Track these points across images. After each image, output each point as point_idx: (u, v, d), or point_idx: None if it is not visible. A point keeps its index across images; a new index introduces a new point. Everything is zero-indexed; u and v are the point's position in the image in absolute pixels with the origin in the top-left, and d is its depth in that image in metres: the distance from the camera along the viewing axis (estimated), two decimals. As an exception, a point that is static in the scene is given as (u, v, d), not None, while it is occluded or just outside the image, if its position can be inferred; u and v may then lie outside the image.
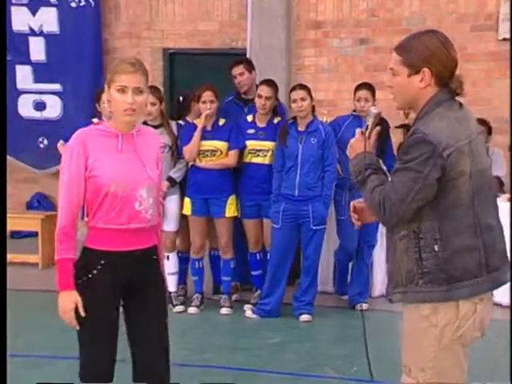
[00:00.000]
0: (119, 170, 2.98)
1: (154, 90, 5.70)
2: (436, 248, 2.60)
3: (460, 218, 2.61)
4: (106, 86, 3.03)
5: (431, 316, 2.63)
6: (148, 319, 3.09)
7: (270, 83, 6.09)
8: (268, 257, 6.03)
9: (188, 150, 5.96)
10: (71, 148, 2.97)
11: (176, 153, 6.02)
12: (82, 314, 2.91)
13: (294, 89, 5.93)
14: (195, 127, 6.02)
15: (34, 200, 8.69)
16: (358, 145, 2.77)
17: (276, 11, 8.14)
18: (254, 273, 6.21)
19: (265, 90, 6.00)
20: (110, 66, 3.10)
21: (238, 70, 6.44)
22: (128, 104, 2.96)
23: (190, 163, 6.07)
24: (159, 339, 3.11)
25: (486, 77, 7.61)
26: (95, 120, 6.03)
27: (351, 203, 2.92)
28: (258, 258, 6.17)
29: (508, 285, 2.79)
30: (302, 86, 5.93)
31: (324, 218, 5.83)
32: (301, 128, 5.89)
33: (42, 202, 8.66)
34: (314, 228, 5.79)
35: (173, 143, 6.02)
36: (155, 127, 5.80)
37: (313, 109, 5.97)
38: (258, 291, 6.12)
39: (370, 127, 2.80)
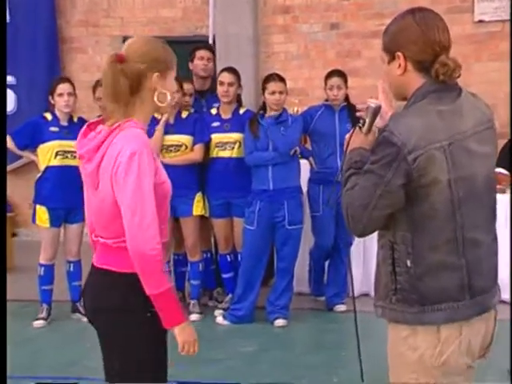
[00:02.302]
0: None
1: None
2: (408, 263, 2.26)
3: (436, 231, 2.25)
4: (156, 75, 2.47)
5: (410, 338, 2.29)
6: None
7: (231, 70, 5.73)
8: (239, 258, 5.63)
9: (151, 146, 5.51)
10: (146, 152, 2.40)
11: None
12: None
13: (272, 79, 5.50)
14: (156, 120, 5.58)
15: (-13, 200, 8.16)
16: (354, 139, 2.43)
17: (242, -4, 7.74)
18: (224, 275, 5.80)
19: (227, 77, 5.61)
20: (157, 53, 2.50)
21: (205, 53, 6.04)
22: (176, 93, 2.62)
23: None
24: None
25: (463, 61, 7.22)
26: (48, 114, 5.59)
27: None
28: (229, 259, 5.76)
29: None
30: (281, 78, 5.53)
31: (300, 218, 5.46)
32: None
33: (-4, 202, 8.14)
34: (290, 228, 5.40)
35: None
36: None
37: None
38: (230, 295, 5.72)
39: (368, 122, 2.44)
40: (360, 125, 2.44)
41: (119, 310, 2.46)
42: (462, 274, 2.26)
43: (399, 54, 2.31)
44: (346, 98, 5.75)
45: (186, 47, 7.40)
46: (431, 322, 2.25)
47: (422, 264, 2.24)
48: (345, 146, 2.46)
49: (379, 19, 7.31)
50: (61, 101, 5.43)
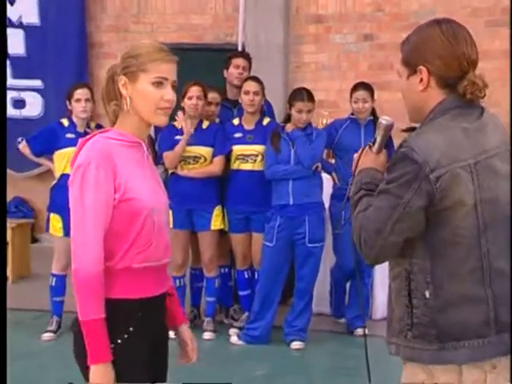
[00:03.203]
0: (150, 188, 2.33)
1: None
2: (427, 294, 2.05)
3: (459, 260, 2.03)
4: (121, 78, 2.27)
5: (426, 382, 2.07)
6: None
7: (256, 79, 5.51)
8: (256, 275, 5.42)
9: (170, 157, 5.35)
10: (96, 164, 2.20)
11: (152, 157, 5.37)
12: None
13: (300, 97, 5.22)
14: (176, 129, 5.41)
15: (11, 205, 8.08)
16: (363, 159, 2.24)
17: (273, 4, 7.63)
18: (241, 293, 5.58)
19: (252, 85, 5.40)
20: (133, 52, 2.29)
21: (241, 62, 5.81)
22: (166, 101, 2.29)
23: (170, 171, 5.46)
24: None
25: (502, 76, 6.97)
26: (65, 120, 5.47)
27: None
28: (247, 276, 5.55)
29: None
30: (310, 97, 5.24)
31: (321, 235, 5.23)
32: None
33: (20, 207, 8.08)
34: (310, 246, 5.18)
35: (148, 145, 5.37)
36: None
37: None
38: (246, 313, 5.51)
39: (379, 141, 2.25)
40: (370, 143, 2.25)
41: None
42: (487, 308, 2.04)
43: (422, 68, 2.10)
44: (373, 112, 5.52)
45: (215, 55, 7.28)
46: (452, 361, 2.03)
47: (443, 296, 2.03)
48: (353, 167, 2.26)
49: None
50: (78, 106, 5.30)
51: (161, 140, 5.46)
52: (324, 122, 6.38)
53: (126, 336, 2.25)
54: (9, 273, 6.73)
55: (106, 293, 2.21)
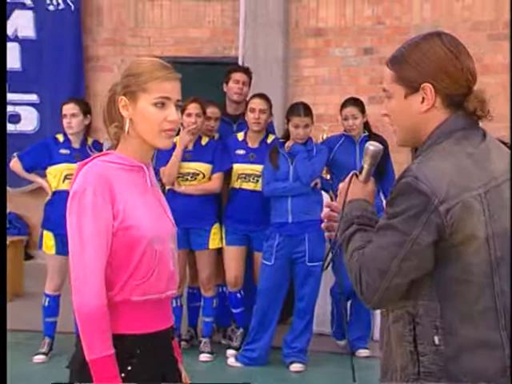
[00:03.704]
0: (152, 216, 2.16)
1: None
2: (436, 340, 1.83)
3: (471, 300, 1.83)
4: (121, 98, 2.14)
5: None
6: None
7: (263, 96, 5.36)
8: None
9: (167, 173, 5.21)
10: (93, 190, 2.06)
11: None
12: None
13: (297, 113, 5.09)
14: (174, 145, 5.28)
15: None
16: (350, 189, 2.02)
17: (272, 17, 7.52)
18: (234, 311, 5.41)
19: (258, 103, 5.25)
20: (133, 70, 2.15)
21: (241, 77, 5.66)
22: (170, 123, 2.12)
23: (167, 187, 5.32)
24: None
25: (504, 91, 6.85)
26: (60, 136, 5.34)
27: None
28: (239, 296, 5.38)
29: None
30: (307, 112, 5.10)
31: (321, 254, 5.08)
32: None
33: (14, 223, 7.93)
34: (310, 265, 5.04)
35: (150, 170, 5.25)
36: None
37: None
38: (241, 329, 5.35)
39: (366, 168, 2.04)
40: (357, 172, 2.04)
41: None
42: (503, 353, 1.84)
43: (427, 85, 1.88)
44: (368, 127, 5.40)
45: (214, 68, 7.17)
46: None
47: (455, 341, 1.82)
48: (339, 198, 2.05)
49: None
50: (64, 122, 5.20)
51: (158, 155, 5.33)
52: (324, 136, 6.26)
53: (122, 375, 2.08)
54: (1, 291, 6.57)
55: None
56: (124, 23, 8.02)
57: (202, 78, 7.42)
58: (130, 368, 2.10)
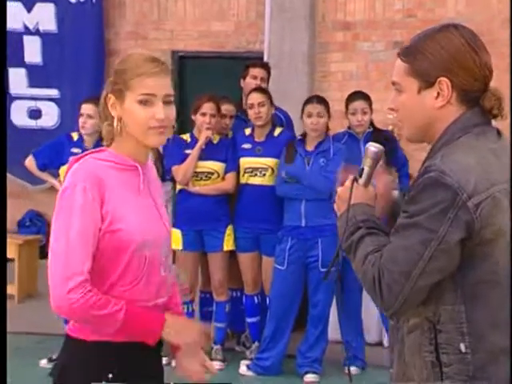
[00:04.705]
0: (144, 219, 2.06)
1: None
2: (462, 348, 1.70)
3: (499, 303, 1.71)
4: (110, 96, 2.06)
5: None
6: None
7: (259, 89, 5.17)
8: (267, 301, 5.03)
9: (181, 172, 5.00)
10: (82, 188, 1.97)
11: (160, 172, 5.04)
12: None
13: (310, 101, 4.99)
14: (184, 142, 5.08)
15: (25, 218, 7.82)
16: (349, 195, 1.89)
17: (299, 10, 7.25)
18: (249, 320, 5.19)
19: (255, 97, 5.05)
20: (119, 66, 2.10)
21: (259, 72, 5.45)
22: (157, 120, 2.03)
23: (179, 187, 5.12)
24: None
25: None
26: (75, 134, 5.21)
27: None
28: (256, 301, 5.15)
29: None
30: (320, 100, 4.97)
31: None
32: (309, 147, 4.91)
33: (34, 221, 7.79)
34: (324, 270, 4.78)
35: (155, 160, 5.04)
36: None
37: (327, 127, 4.99)
38: (256, 343, 5.11)
39: (366, 171, 1.91)
40: (357, 175, 1.89)
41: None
42: None
43: (444, 79, 1.77)
44: (372, 124, 5.14)
45: (237, 63, 6.93)
46: None
47: (484, 348, 1.70)
48: (337, 204, 1.91)
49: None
50: (80, 121, 5.05)
51: (167, 154, 5.12)
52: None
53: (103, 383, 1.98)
54: (14, 292, 6.44)
55: (84, 335, 2.01)
56: (146, 16, 7.83)
57: (225, 72, 7.21)
58: (111, 376, 2.00)
